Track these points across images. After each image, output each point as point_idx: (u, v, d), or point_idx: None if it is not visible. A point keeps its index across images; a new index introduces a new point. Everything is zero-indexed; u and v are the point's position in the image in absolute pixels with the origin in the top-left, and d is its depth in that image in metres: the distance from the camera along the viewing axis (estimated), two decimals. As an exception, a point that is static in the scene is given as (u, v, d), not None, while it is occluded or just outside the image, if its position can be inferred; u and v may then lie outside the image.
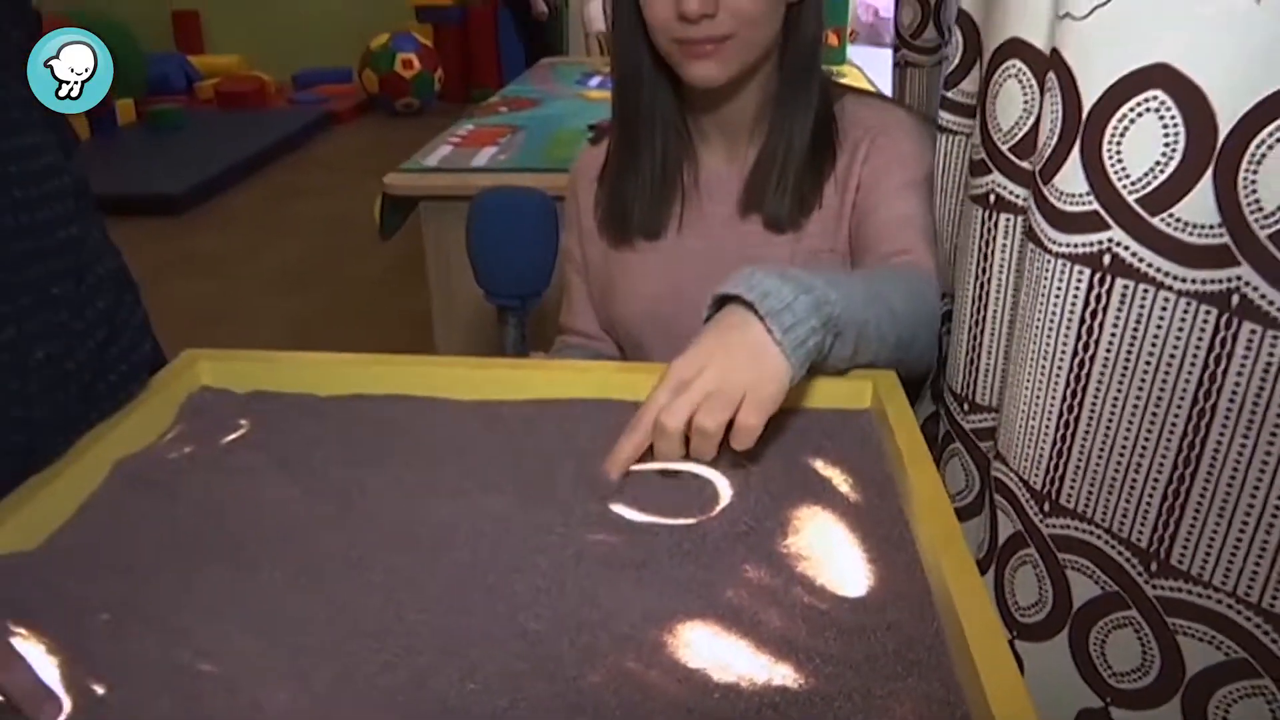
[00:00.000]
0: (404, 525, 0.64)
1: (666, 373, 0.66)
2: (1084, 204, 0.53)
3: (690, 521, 0.63)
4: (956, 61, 0.71)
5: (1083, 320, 0.55)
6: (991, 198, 0.62)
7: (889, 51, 1.09)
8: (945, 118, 0.75)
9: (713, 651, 0.52)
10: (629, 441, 0.65)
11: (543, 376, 0.83)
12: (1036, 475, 0.60)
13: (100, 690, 0.50)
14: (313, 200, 4.55)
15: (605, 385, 0.81)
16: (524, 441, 0.74)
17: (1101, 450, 0.56)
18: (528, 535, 0.63)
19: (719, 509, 0.64)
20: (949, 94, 0.74)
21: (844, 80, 2.56)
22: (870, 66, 2.74)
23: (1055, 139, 0.54)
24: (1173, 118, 0.49)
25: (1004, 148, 0.60)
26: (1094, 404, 0.56)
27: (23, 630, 0.54)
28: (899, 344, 0.74)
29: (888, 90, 1.15)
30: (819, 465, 0.68)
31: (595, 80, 2.61)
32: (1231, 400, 0.49)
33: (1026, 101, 0.58)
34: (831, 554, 0.59)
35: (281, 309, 3.30)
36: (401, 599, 0.56)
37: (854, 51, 2.85)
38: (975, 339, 0.67)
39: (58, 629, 0.54)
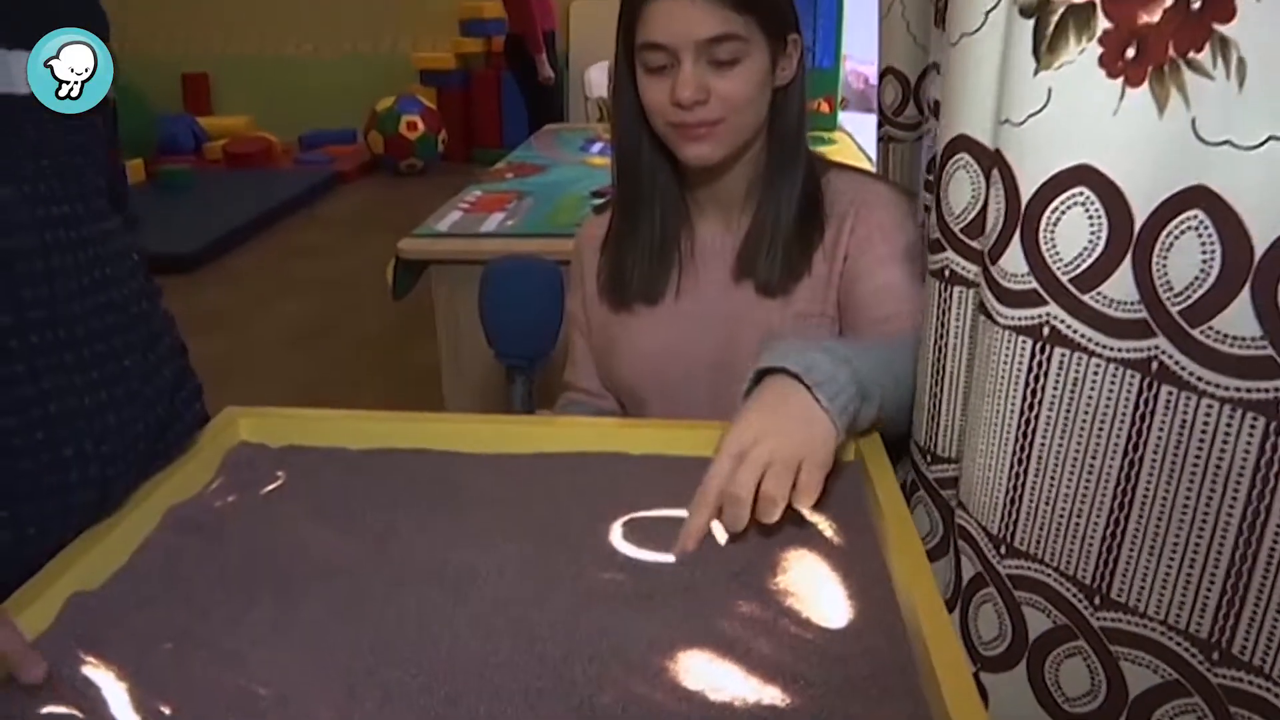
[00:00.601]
0: (432, 565, 0.70)
1: (723, 443, 0.72)
2: (1025, 283, 0.61)
3: (690, 560, 0.70)
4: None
5: (1027, 384, 0.63)
6: (946, 272, 0.71)
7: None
8: (926, 197, 0.84)
9: (710, 675, 0.59)
10: (701, 515, 0.71)
11: (552, 432, 0.90)
12: (993, 521, 0.67)
13: (167, 711, 0.57)
14: (320, 258, 4.65)
15: (608, 439, 0.88)
16: (536, 491, 0.81)
17: (1048, 498, 0.63)
18: (544, 574, 0.69)
19: (716, 551, 0.71)
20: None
21: (834, 145, 2.64)
22: (860, 132, 2.85)
23: (1000, 226, 0.62)
24: (1096, 211, 0.57)
25: (956, 229, 0.69)
26: (1040, 458, 0.63)
27: (93, 659, 0.61)
28: (907, 406, 0.83)
29: (874, 152, 1.23)
30: (806, 512, 0.76)
31: (597, 146, 2.71)
32: (1155, 452, 0.57)
33: (974, 189, 0.66)
34: (816, 590, 0.66)
35: (291, 364, 3.38)
36: (434, 629, 0.63)
37: (845, 118, 2.97)
38: (935, 397, 0.75)
39: (125, 657, 0.61)
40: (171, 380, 0.78)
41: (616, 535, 0.74)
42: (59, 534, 0.68)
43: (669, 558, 0.71)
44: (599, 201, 2.00)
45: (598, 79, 5.01)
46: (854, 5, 2.72)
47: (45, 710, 0.56)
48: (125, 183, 0.80)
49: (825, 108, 2.82)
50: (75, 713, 0.56)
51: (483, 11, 6.18)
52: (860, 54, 3.23)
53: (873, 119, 1.14)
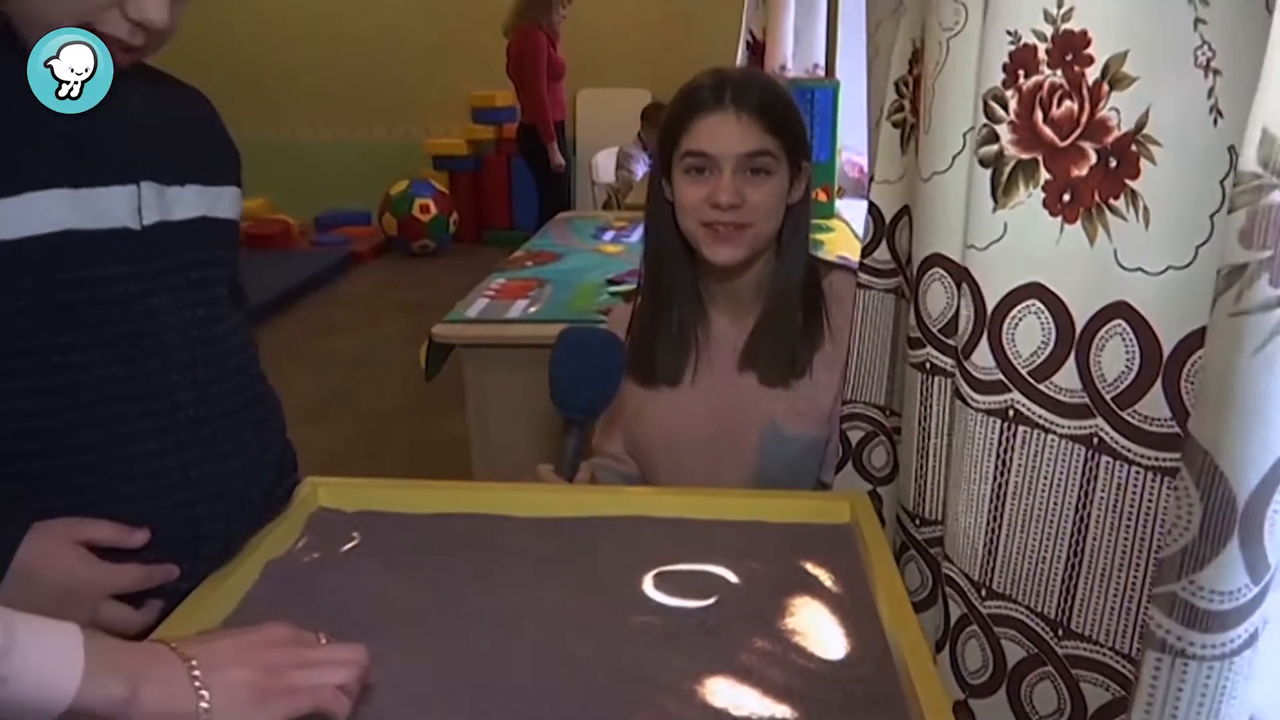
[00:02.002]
0: (490, 610, 0.83)
1: None
2: (992, 374, 0.76)
3: (711, 605, 0.83)
4: (869, 238, 0.96)
5: (998, 456, 0.77)
6: (927, 365, 0.85)
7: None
8: (863, 278, 0.99)
9: (731, 696, 0.72)
10: None
11: (586, 499, 1.04)
12: (974, 569, 0.80)
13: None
14: (338, 336, 4.80)
15: (635, 505, 1.02)
16: (576, 549, 0.94)
17: (1019, 549, 0.76)
18: (585, 617, 0.82)
19: (734, 597, 0.84)
20: (866, 260, 0.99)
21: (831, 232, 2.80)
22: (856, 218, 3.03)
23: (970, 329, 0.77)
24: (1046, 319, 0.72)
25: (934, 329, 0.84)
26: (1010, 516, 0.77)
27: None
28: None
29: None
30: (809, 566, 0.89)
31: (609, 234, 2.87)
32: (1099, 510, 0.70)
33: (948, 297, 0.81)
34: (818, 629, 0.80)
35: (312, 437, 3.49)
36: (495, 662, 0.75)
37: (841, 205, 3.15)
38: (921, 469, 0.89)
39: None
40: (278, 452, 0.93)
41: (648, 585, 0.87)
42: (189, 580, 0.81)
43: (695, 603, 0.83)
44: (615, 289, 2.17)
45: (605, 164, 5.24)
46: (848, 101, 2.91)
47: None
48: (242, 284, 0.96)
49: (823, 196, 3.00)
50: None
51: (494, 100, 6.44)
52: (855, 145, 3.42)
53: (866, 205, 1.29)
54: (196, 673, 0.61)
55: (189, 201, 0.84)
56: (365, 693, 0.71)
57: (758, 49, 3.82)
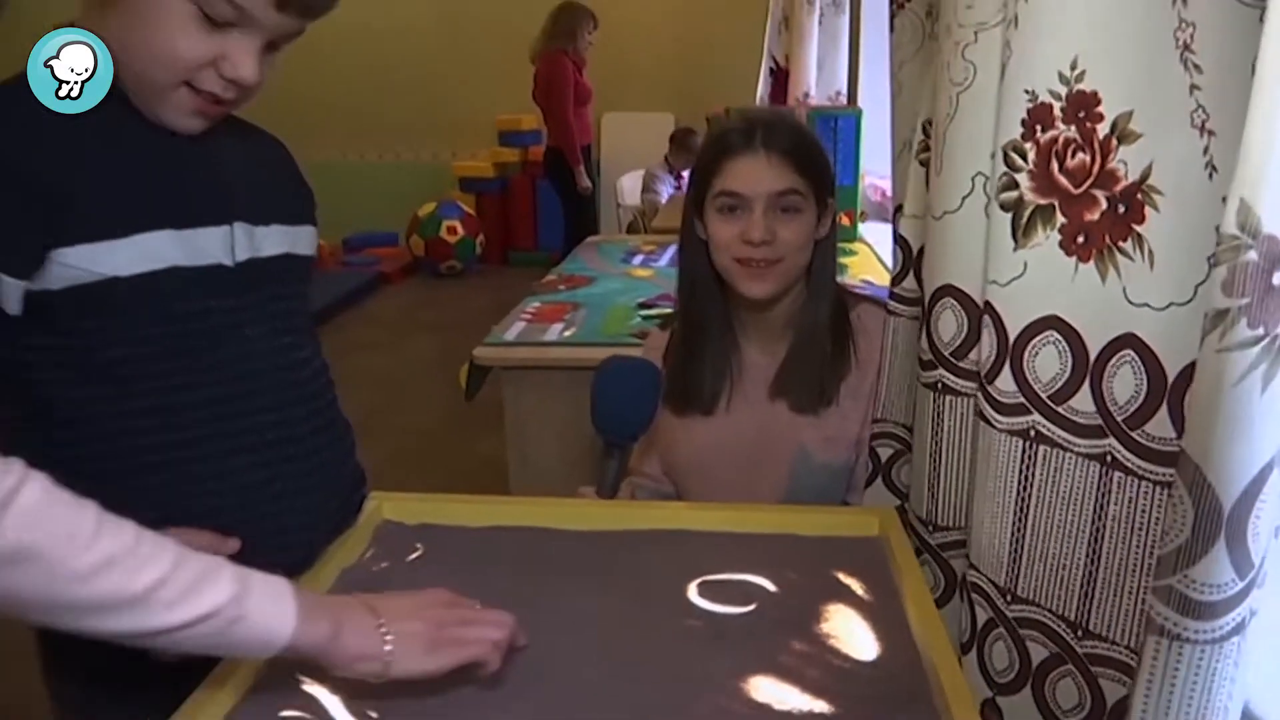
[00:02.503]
0: (545, 615, 0.90)
1: None
2: (1014, 398, 0.83)
3: (752, 611, 0.90)
4: (898, 269, 1.05)
5: (1021, 473, 0.84)
6: (939, 385, 0.94)
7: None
8: (892, 305, 1.07)
9: (774, 693, 0.79)
10: None
11: (631, 513, 1.11)
12: (999, 576, 0.87)
13: (374, 715, 0.77)
14: (370, 355, 4.89)
15: (677, 519, 1.09)
16: (624, 559, 1.01)
17: (1041, 556, 0.84)
18: (636, 621, 0.89)
19: (773, 604, 0.91)
20: (895, 289, 1.06)
21: (855, 255, 2.87)
22: (880, 242, 3.10)
23: (993, 357, 0.84)
24: (1064, 348, 0.79)
25: (946, 353, 0.92)
26: (1033, 528, 0.84)
27: (308, 680, 0.81)
28: None
29: (888, 257, 1.43)
30: (841, 575, 0.96)
31: (638, 258, 2.93)
32: (1114, 521, 0.78)
33: (959, 324, 0.90)
34: (851, 632, 0.86)
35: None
36: (554, 662, 0.82)
37: (864, 229, 3.22)
38: (934, 480, 0.97)
39: (334, 681, 0.80)
40: (351, 468, 1.01)
41: (693, 592, 0.94)
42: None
43: (737, 609, 0.90)
44: (647, 313, 2.24)
45: (629, 187, 5.34)
46: (871, 126, 2.98)
47: (283, 713, 0.76)
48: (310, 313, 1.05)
49: (846, 220, 3.07)
50: (305, 715, 0.76)
51: (520, 123, 6.56)
52: (878, 169, 3.49)
53: (889, 228, 1.36)
54: (381, 621, 0.73)
55: (274, 240, 0.93)
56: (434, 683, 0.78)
57: (780, 76, 3.91)
